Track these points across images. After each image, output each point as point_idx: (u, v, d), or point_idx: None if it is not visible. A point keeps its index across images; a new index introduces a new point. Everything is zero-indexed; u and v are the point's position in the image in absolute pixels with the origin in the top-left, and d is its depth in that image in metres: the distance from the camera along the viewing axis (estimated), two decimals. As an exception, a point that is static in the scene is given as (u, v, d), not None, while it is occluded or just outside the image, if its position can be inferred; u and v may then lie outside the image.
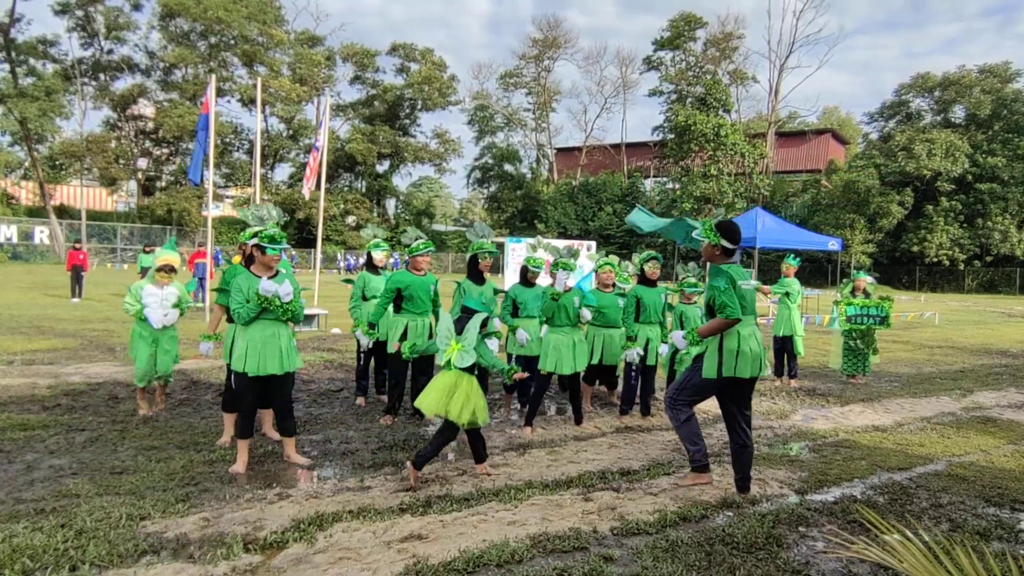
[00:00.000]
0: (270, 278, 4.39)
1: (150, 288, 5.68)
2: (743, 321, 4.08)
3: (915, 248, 40.75)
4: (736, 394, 4.16)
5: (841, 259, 37.07)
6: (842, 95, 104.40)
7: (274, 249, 4.36)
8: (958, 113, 44.28)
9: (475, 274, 5.12)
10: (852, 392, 7.98)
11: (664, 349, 6.15)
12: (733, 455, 4.27)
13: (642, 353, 6.07)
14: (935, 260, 40.70)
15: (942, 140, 39.46)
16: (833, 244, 19.46)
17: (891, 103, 47.06)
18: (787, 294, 8.33)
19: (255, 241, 4.41)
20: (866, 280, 8.90)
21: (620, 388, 6.99)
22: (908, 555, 2.07)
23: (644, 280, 6.29)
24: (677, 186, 47.21)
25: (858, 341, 8.55)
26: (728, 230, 4.18)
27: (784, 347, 8.33)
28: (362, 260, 18.60)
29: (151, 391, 6.07)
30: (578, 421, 5.90)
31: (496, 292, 6.64)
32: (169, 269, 5.72)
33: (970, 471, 4.95)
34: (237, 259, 5.39)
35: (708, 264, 4.34)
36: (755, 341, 4.09)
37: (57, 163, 42.61)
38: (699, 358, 4.24)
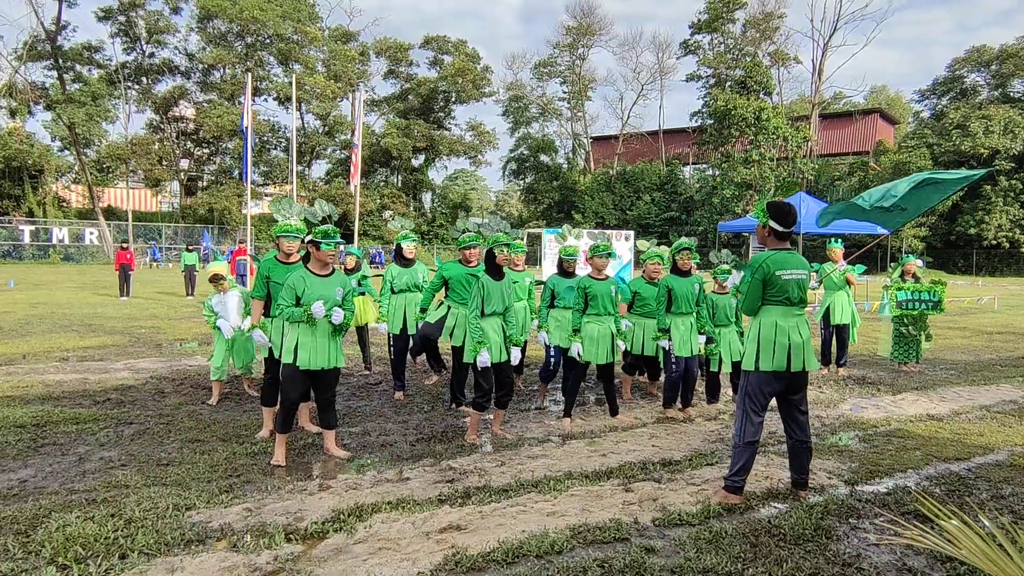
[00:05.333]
0: (325, 275, 4.43)
1: (215, 298, 6.18)
2: (785, 311, 3.87)
3: (972, 231, 39.09)
4: (785, 389, 3.93)
5: (892, 243, 35.90)
6: (890, 73, 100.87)
7: (328, 244, 4.38)
8: (1017, 87, 42.26)
9: (493, 268, 5.06)
10: (904, 380, 7.68)
11: (702, 339, 5.99)
12: (790, 452, 4.05)
13: (671, 343, 5.89)
14: (994, 243, 38.96)
15: (1000, 116, 37.71)
16: (882, 228, 18.78)
17: (944, 79, 45.19)
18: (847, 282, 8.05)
19: (309, 238, 4.46)
20: (916, 264, 8.55)
21: (662, 380, 6.87)
22: (967, 541, 1.95)
23: (676, 271, 6.08)
24: (717, 173, 46.30)
25: (909, 327, 8.23)
26: (779, 211, 3.92)
27: (838, 334, 8.04)
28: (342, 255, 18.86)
29: (227, 383, 6.56)
30: (613, 413, 5.79)
31: (536, 283, 6.61)
32: (218, 278, 6.14)
33: (1034, 461, 4.70)
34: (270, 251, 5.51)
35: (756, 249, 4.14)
36: (797, 333, 3.85)
37: (104, 166, 44.04)
38: None
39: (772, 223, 3.94)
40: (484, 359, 4.89)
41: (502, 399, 5.21)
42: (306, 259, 4.59)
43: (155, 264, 35.81)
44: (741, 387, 3.99)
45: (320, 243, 4.37)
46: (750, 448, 3.86)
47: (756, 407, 3.89)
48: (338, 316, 4.36)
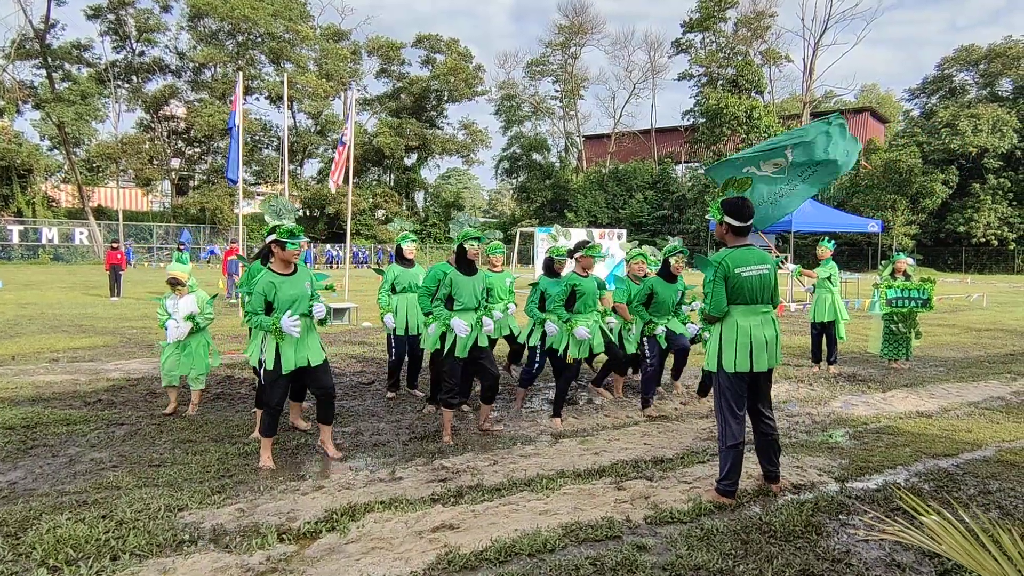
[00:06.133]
0: (289, 274, 4.39)
1: (170, 300, 5.77)
2: (747, 310, 3.82)
3: (961, 228, 39.41)
4: (750, 388, 3.91)
5: (882, 241, 36.14)
6: (881, 72, 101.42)
7: (293, 244, 4.32)
8: (1005, 86, 42.68)
9: (464, 264, 5.07)
10: (894, 377, 7.74)
11: (693, 329, 6.00)
12: (757, 448, 4.05)
13: (663, 331, 5.95)
14: (982, 240, 39.31)
15: (988, 115, 38.05)
16: (873, 226, 18.92)
17: (933, 78, 45.57)
18: (828, 278, 8.09)
19: (273, 237, 4.37)
20: (906, 262, 8.62)
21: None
22: (947, 537, 1.97)
23: (665, 272, 6.08)
24: (708, 171, 46.48)
25: (899, 325, 8.29)
26: (734, 206, 3.87)
27: (825, 332, 8.10)
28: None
29: (179, 389, 5.96)
30: (556, 413, 5.70)
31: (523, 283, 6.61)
32: (175, 282, 5.73)
33: (1021, 457, 4.75)
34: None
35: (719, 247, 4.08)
36: (761, 331, 3.80)
37: (94, 165, 43.77)
38: None
39: (728, 219, 3.87)
40: (460, 325, 4.86)
41: (487, 394, 5.20)
42: (266, 259, 4.52)
43: (128, 264, 35.38)
44: (715, 390, 3.95)
45: (285, 243, 4.31)
46: (734, 450, 3.83)
47: (734, 407, 3.85)
48: (319, 310, 4.37)
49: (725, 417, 3.86)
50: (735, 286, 3.79)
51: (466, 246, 5.04)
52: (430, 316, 5.68)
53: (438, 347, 5.11)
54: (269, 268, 4.40)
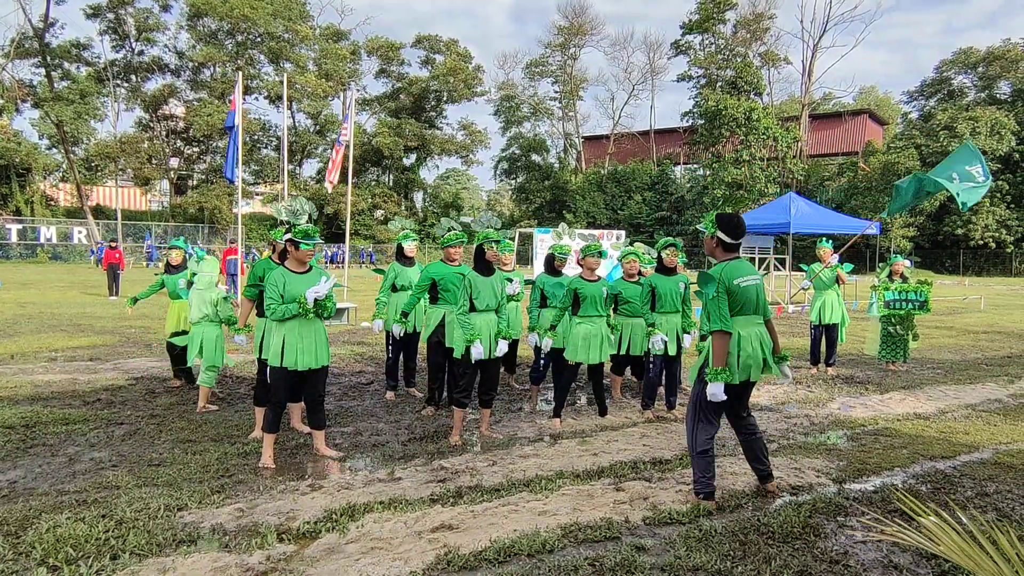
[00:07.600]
0: (302, 272, 4.43)
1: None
2: (747, 321, 3.82)
3: (959, 231, 39.48)
4: (737, 397, 3.89)
5: (880, 243, 36.19)
6: (879, 74, 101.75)
7: (308, 244, 4.39)
8: (1003, 89, 42.79)
9: (482, 264, 5.09)
10: (892, 379, 7.76)
11: (688, 340, 5.98)
12: (744, 448, 4.04)
13: (666, 339, 5.82)
14: (980, 243, 39.37)
15: (987, 117, 38.14)
16: (871, 228, 18.96)
17: (932, 80, 45.69)
18: (837, 280, 8.10)
19: (288, 237, 4.45)
20: (904, 264, 8.65)
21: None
22: (945, 538, 1.99)
23: (662, 268, 6.08)
24: (708, 173, 46.50)
25: (897, 327, 8.31)
26: (728, 222, 3.88)
27: (827, 334, 8.11)
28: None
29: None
30: (602, 413, 5.81)
31: (525, 283, 6.61)
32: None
33: (1018, 459, 4.77)
34: (266, 254, 5.47)
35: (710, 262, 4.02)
36: (755, 342, 3.80)
37: (93, 164, 43.71)
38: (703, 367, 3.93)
39: (720, 234, 3.88)
40: (478, 351, 4.85)
41: (486, 399, 5.20)
42: (282, 257, 4.59)
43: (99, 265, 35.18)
44: (694, 395, 3.91)
45: (299, 243, 4.38)
46: (705, 456, 3.82)
47: (711, 416, 3.83)
48: (324, 288, 4.30)
49: (701, 426, 3.85)
50: (736, 297, 3.79)
51: (485, 247, 5.06)
52: (406, 317, 5.65)
53: (444, 345, 5.12)
54: (284, 267, 4.46)
